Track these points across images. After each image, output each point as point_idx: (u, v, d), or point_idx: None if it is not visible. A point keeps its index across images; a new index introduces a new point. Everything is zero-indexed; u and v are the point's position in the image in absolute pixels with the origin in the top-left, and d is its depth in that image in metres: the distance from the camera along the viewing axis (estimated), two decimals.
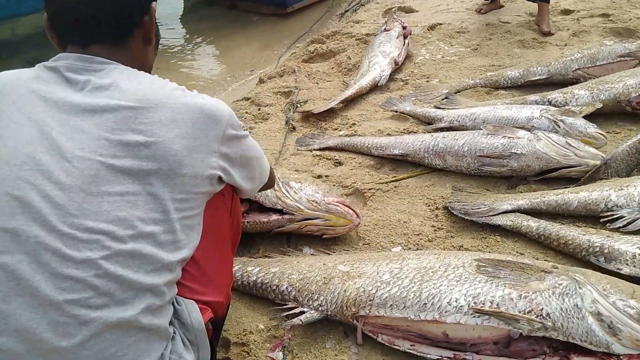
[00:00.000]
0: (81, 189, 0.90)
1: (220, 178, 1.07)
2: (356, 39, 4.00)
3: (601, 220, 1.79)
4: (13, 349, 0.85)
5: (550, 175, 2.07)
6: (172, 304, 1.03)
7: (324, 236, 1.85)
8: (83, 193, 0.90)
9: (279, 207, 1.83)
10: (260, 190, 1.45)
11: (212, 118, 1.02)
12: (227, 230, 1.25)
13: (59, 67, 1.00)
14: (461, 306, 1.34)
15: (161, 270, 0.95)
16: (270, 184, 1.41)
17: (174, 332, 1.02)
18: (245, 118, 2.99)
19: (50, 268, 0.86)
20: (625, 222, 1.74)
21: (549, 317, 1.28)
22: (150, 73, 1.09)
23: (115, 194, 0.91)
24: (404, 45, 3.54)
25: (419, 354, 1.38)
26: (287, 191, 1.85)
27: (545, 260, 1.70)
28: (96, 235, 0.89)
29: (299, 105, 3.06)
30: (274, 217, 1.83)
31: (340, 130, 2.76)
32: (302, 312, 1.52)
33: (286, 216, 1.82)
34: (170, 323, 1.02)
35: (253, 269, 1.71)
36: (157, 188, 0.95)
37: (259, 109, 3.10)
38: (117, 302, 0.89)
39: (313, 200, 1.83)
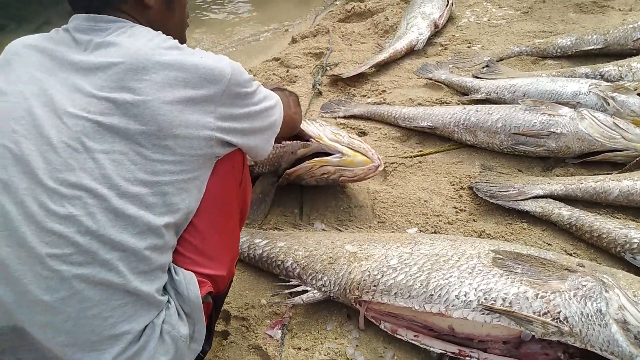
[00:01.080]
0: (68, 145, 0.90)
1: (221, 141, 1.03)
2: None
3: None
4: (2, 297, 0.87)
5: (593, 159, 1.88)
6: (170, 273, 1.01)
7: (341, 179, 1.74)
8: (70, 149, 0.90)
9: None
10: (279, 137, 1.41)
11: (210, 77, 0.99)
12: (235, 202, 1.20)
13: (69, 28, 1.04)
14: (470, 301, 1.24)
15: (147, 233, 0.92)
16: (290, 127, 1.45)
17: (169, 302, 0.99)
18: (271, 80, 2.89)
19: (36, 221, 0.87)
20: None
21: (567, 321, 1.16)
22: (180, 40, 1.06)
23: (101, 152, 0.90)
24: (447, 6, 3.29)
25: (422, 346, 1.31)
26: (312, 123, 1.80)
27: (574, 253, 1.56)
28: (79, 191, 0.88)
29: (328, 68, 2.92)
30: (287, 142, 1.75)
31: (368, 97, 2.61)
32: (305, 291, 1.47)
33: (300, 142, 1.74)
34: (166, 292, 1.00)
35: (260, 241, 1.66)
36: (147, 148, 0.93)
37: (287, 71, 2.98)
38: (100, 262, 0.88)
39: (337, 133, 1.77)
